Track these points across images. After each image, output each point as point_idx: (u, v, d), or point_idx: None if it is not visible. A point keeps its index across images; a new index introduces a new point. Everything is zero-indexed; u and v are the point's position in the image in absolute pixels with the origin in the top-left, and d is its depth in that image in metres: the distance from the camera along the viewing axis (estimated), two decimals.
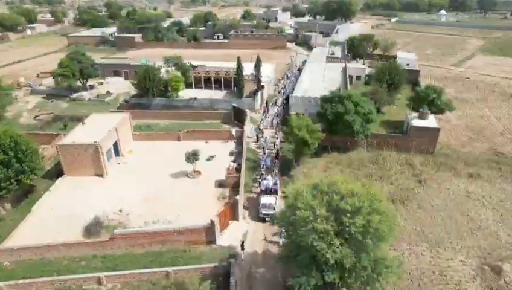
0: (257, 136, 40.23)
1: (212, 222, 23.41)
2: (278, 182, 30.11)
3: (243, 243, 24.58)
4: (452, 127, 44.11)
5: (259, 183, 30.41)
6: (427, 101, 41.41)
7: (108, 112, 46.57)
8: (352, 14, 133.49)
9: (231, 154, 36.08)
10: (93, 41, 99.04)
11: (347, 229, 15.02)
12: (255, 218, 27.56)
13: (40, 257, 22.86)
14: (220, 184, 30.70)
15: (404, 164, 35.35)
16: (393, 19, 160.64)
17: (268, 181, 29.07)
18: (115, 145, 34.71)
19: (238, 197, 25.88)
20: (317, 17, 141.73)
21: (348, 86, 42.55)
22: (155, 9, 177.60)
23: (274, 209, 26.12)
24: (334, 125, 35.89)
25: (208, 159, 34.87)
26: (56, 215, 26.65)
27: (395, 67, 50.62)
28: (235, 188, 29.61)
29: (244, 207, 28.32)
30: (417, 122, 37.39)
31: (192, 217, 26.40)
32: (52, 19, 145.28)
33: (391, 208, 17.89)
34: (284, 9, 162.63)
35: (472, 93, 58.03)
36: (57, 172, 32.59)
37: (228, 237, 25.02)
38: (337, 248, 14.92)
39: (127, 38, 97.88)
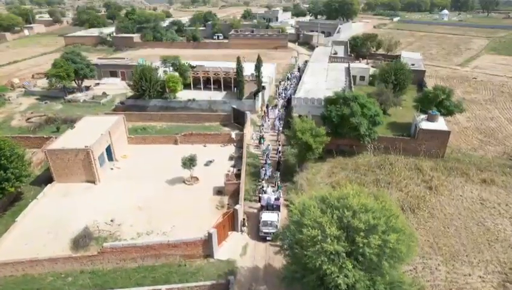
0: (259, 140, 38.06)
1: (209, 235, 21.60)
2: (280, 195, 27.57)
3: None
4: (461, 130, 42.30)
5: (259, 197, 27.69)
6: (436, 102, 39.58)
7: (103, 114, 44.99)
8: (354, 13, 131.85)
9: (231, 158, 34.29)
10: (91, 41, 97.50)
11: (360, 250, 13.21)
12: (255, 237, 24.67)
13: (23, 273, 21.07)
14: (219, 191, 28.91)
15: (413, 169, 33.51)
16: (395, 19, 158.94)
17: (270, 196, 26.43)
18: (108, 150, 32.93)
19: (238, 206, 24.06)
20: (318, 16, 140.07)
21: (353, 86, 40.74)
22: (155, 9, 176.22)
23: (276, 227, 23.45)
24: (339, 128, 34.12)
25: (206, 164, 33.09)
26: (42, 226, 24.85)
27: (400, 67, 48.83)
28: (235, 195, 27.83)
29: (242, 223, 25.30)
30: (426, 125, 35.56)
31: (189, 227, 24.69)
32: (50, 19, 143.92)
33: (405, 222, 15.97)
34: (285, 9, 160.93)
35: (480, 94, 56.23)
36: (47, 178, 30.79)
37: (227, 250, 23.23)
38: (349, 271, 13.09)
39: (125, 38, 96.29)
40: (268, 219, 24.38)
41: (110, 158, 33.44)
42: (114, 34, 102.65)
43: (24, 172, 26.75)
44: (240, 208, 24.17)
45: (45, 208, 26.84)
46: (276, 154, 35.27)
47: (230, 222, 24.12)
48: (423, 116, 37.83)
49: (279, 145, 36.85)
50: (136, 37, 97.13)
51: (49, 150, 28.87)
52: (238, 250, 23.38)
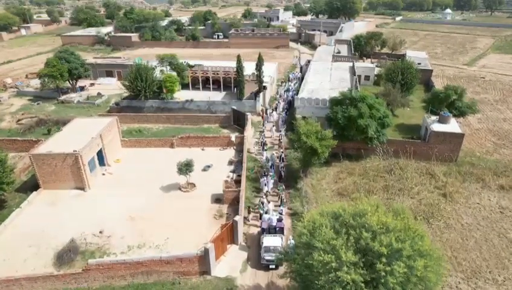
0: (262, 147, 35.34)
1: (206, 250, 19.52)
2: (283, 213, 24.38)
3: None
4: (473, 132, 40.16)
5: (260, 215, 24.54)
6: (446, 103, 37.48)
7: (97, 115, 43.01)
8: (356, 12, 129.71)
9: (230, 163, 32.20)
10: (89, 41, 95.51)
11: (382, 279, 11.13)
12: (255, 265, 21.45)
13: None
14: (217, 199, 26.82)
15: (425, 174, 31.39)
16: (398, 18, 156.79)
17: (271, 217, 23.10)
18: (100, 154, 30.87)
19: (237, 217, 21.97)
20: (320, 16, 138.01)
21: (358, 86, 38.72)
22: (154, 9, 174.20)
23: (280, 253, 19.27)
24: (346, 131, 32.00)
25: (204, 169, 31.01)
26: (24, 239, 22.79)
27: (408, 66, 46.72)
28: (235, 203, 25.76)
29: (240, 247, 23.20)
30: (438, 127, 33.45)
31: (184, 240, 22.63)
32: (48, 19, 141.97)
33: (431, 243, 13.86)
34: (286, 9, 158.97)
35: (490, 94, 54.10)
36: (34, 185, 28.72)
37: (226, 266, 21.14)
38: None
39: (123, 38, 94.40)
40: (270, 244, 21.06)
41: (102, 163, 31.38)
42: (112, 33, 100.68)
43: (6, 179, 24.73)
44: (240, 219, 22.07)
45: (29, 217, 24.77)
46: (279, 161, 32.58)
47: (229, 235, 22.02)
48: (434, 117, 35.73)
49: (282, 152, 33.92)
50: (134, 36, 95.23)
51: (35, 155, 26.79)
52: (238, 266, 21.29)
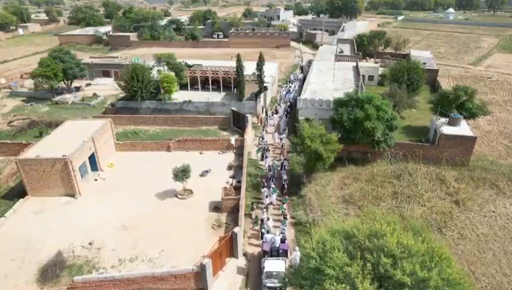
0: (262, 155, 32.99)
1: (202, 266, 17.88)
2: (285, 231, 21.99)
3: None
4: (483, 134, 38.46)
5: (261, 234, 22.04)
6: (456, 104, 35.81)
7: (92, 117, 41.42)
8: (358, 12, 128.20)
9: (229, 168, 30.56)
10: (87, 40, 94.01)
11: None
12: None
13: None
14: (216, 207, 25.19)
15: (435, 180, 29.70)
16: (400, 17, 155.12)
17: (274, 236, 20.71)
18: (92, 158, 29.26)
19: (237, 229, 20.33)
20: (321, 15, 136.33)
21: (364, 87, 37.09)
22: (154, 8, 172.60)
23: (284, 279, 17.32)
24: (352, 134, 30.32)
25: (202, 175, 29.39)
26: (7, 251, 21.18)
27: (414, 66, 45.09)
28: (234, 212, 24.15)
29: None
30: (448, 130, 31.79)
31: (180, 252, 21.06)
32: (46, 18, 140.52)
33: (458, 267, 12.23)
34: (287, 8, 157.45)
35: (498, 95, 52.43)
36: (22, 191, 27.12)
37: (224, 282, 19.51)
38: None
39: (121, 37, 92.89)
40: (273, 269, 18.72)
41: (94, 168, 29.77)
42: (111, 33, 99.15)
43: None
44: (240, 230, 20.43)
45: (13, 227, 23.18)
46: (281, 169, 29.99)
47: (228, 248, 20.39)
48: (443, 119, 34.08)
49: (285, 159, 31.58)
50: (133, 35, 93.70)
51: (21, 160, 25.18)
52: (238, 282, 19.66)
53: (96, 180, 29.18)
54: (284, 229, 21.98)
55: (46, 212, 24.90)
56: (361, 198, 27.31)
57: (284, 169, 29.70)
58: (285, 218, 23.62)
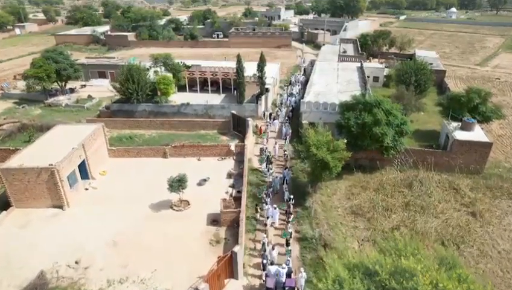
0: (266, 164, 29.94)
1: None
2: (290, 263, 19.07)
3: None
4: (496, 139, 36.61)
5: (263, 264, 19.39)
6: (468, 107, 33.93)
7: (85, 120, 39.59)
8: (360, 11, 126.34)
9: (229, 176, 28.67)
10: (84, 40, 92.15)
11: None
12: None
13: None
14: (214, 220, 23.33)
15: (448, 189, 27.92)
16: (402, 17, 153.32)
17: (279, 269, 17.85)
18: (83, 166, 27.40)
19: (236, 248, 18.45)
20: (322, 15, 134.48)
21: (370, 89, 35.21)
22: (154, 8, 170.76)
23: None
24: (359, 139, 28.49)
25: (200, 184, 27.52)
26: None
27: (421, 67, 43.24)
28: (234, 226, 22.30)
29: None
30: (461, 135, 29.96)
31: (174, 272, 19.20)
32: (44, 18, 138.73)
33: None
34: (287, 7, 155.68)
35: (508, 96, 50.67)
36: (6, 202, 25.21)
37: None
38: None
39: (119, 37, 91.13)
40: None
41: (85, 176, 27.89)
42: (109, 32, 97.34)
43: None
44: (240, 249, 18.56)
45: None
46: (283, 183, 27.01)
47: (227, 268, 18.52)
48: (455, 123, 32.24)
49: (288, 169, 28.81)
50: (131, 35, 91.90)
51: (4, 169, 23.32)
52: None
53: (87, 189, 27.33)
54: (288, 260, 19.29)
55: (30, 226, 23.04)
56: (370, 209, 25.50)
57: (287, 183, 27.03)
58: (288, 245, 20.70)
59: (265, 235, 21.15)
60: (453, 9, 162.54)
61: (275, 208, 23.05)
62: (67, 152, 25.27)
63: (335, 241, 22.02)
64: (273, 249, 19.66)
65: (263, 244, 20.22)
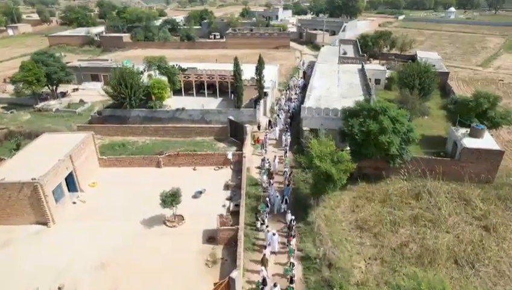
0: (268, 177, 27.79)
1: None
2: None
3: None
4: (505, 144, 35.19)
5: None
6: (476, 112, 32.45)
7: (76, 126, 37.95)
8: (358, 11, 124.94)
9: (226, 187, 27.04)
10: (78, 41, 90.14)
11: None
12: None
13: None
14: (210, 238, 21.73)
15: (458, 200, 26.42)
16: (401, 17, 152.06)
17: None
18: (70, 178, 25.71)
19: (234, 273, 16.86)
20: (320, 15, 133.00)
21: (374, 93, 33.65)
22: (150, 8, 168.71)
23: None
24: (364, 148, 26.95)
25: (195, 196, 25.91)
26: None
27: (425, 69, 41.76)
28: (231, 245, 20.72)
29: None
30: (471, 142, 28.47)
31: None
32: (38, 18, 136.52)
33: None
34: (285, 7, 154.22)
35: None
36: None
37: None
38: None
39: (114, 38, 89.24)
40: None
41: (73, 188, 26.22)
42: (104, 33, 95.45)
43: None
44: (238, 276, 16.96)
45: None
46: (282, 202, 24.52)
47: None
48: (463, 130, 30.77)
49: (289, 184, 26.19)
50: (126, 36, 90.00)
51: None
52: None
53: (74, 203, 25.64)
54: None
55: (11, 245, 21.34)
56: (376, 223, 23.96)
57: (286, 203, 24.53)
58: (292, 282, 18.11)
59: (263, 269, 18.43)
60: (452, 9, 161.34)
61: (274, 234, 20.66)
62: (53, 164, 23.57)
63: (340, 260, 20.48)
64: (275, 286, 17.61)
65: (263, 280, 17.97)
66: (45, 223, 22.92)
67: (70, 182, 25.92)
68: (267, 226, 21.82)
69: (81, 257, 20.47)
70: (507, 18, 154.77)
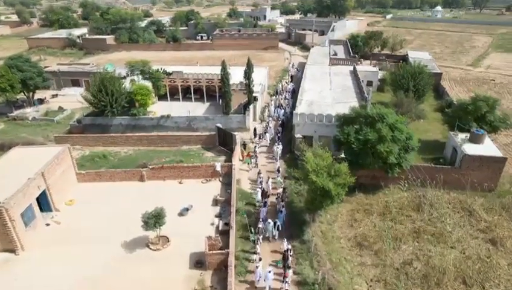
0: (262, 196, 25.33)
1: None
2: None
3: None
4: (503, 148, 34.04)
5: None
6: (475, 116, 31.25)
7: (53, 136, 35.52)
8: (347, 10, 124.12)
9: (215, 202, 25.11)
10: (59, 43, 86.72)
11: None
12: None
13: None
14: (198, 262, 19.78)
15: (460, 210, 25.09)
16: (388, 16, 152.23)
17: None
18: (43, 197, 23.42)
19: None
20: (308, 14, 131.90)
21: (370, 98, 32.02)
22: (136, 9, 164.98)
23: None
24: (361, 157, 25.37)
25: (181, 213, 23.91)
26: None
27: (420, 70, 40.57)
28: (222, 270, 18.82)
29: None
30: (471, 149, 27.19)
31: None
32: (18, 20, 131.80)
33: None
34: (273, 7, 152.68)
35: (506, 99, 48.51)
36: None
37: None
38: None
39: (97, 40, 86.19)
40: None
41: (47, 208, 23.95)
42: (87, 35, 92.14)
43: None
44: None
45: None
46: (274, 228, 21.93)
47: None
48: (462, 135, 29.51)
49: (282, 207, 23.61)
50: (110, 38, 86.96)
51: None
52: None
53: (48, 225, 23.34)
54: None
55: None
56: (376, 239, 22.41)
57: (278, 230, 22.03)
58: None
59: None
60: (439, 7, 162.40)
61: (270, 271, 18.23)
62: (21, 185, 21.25)
63: (340, 284, 18.81)
64: None
65: None
66: (13, 251, 20.60)
67: (44, 202, 23.63)
68: (260, 259, 19.22)
69: (54, 287, 18.29)
70: (492, 17, 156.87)
